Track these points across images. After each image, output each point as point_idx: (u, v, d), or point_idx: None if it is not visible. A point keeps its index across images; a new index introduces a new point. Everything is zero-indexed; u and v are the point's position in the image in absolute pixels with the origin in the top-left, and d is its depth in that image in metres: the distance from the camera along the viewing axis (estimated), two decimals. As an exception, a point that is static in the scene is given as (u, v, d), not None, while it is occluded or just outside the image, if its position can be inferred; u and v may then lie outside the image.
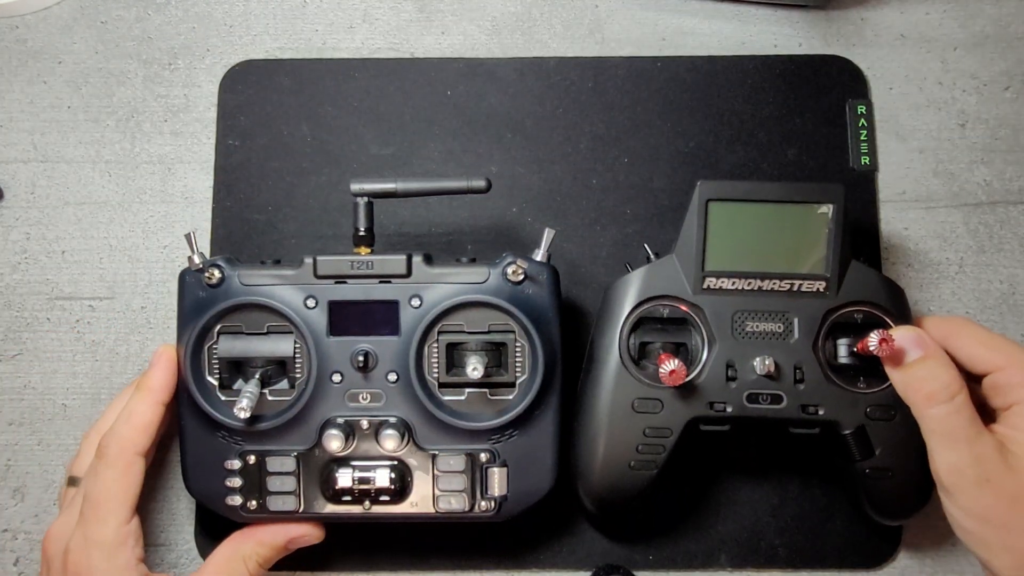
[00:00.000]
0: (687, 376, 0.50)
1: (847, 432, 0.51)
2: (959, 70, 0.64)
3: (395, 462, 0.52)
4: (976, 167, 0.63)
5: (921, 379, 0.48)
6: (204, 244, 0.61)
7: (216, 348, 0.51)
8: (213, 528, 0.57)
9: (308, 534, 0.53)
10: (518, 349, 0.52)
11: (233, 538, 0.52)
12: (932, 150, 0.63)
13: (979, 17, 0.65)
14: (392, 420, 0.51)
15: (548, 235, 0.52)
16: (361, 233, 0.53)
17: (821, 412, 0.51)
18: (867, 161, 0.62)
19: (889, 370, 0.49)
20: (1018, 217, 0.62)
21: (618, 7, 0.65)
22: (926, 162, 0.63)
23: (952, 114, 0.64)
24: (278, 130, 0.63)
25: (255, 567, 0.52)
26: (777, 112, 0.63)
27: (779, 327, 0.51)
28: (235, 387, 0.52)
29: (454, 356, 0.52)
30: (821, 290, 0.51)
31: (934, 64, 0.64)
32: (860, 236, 0.61)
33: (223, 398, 0.51)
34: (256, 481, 0.52)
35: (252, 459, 0.52)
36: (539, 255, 0.52)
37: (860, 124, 0.63)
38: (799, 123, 0.63)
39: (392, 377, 0.51)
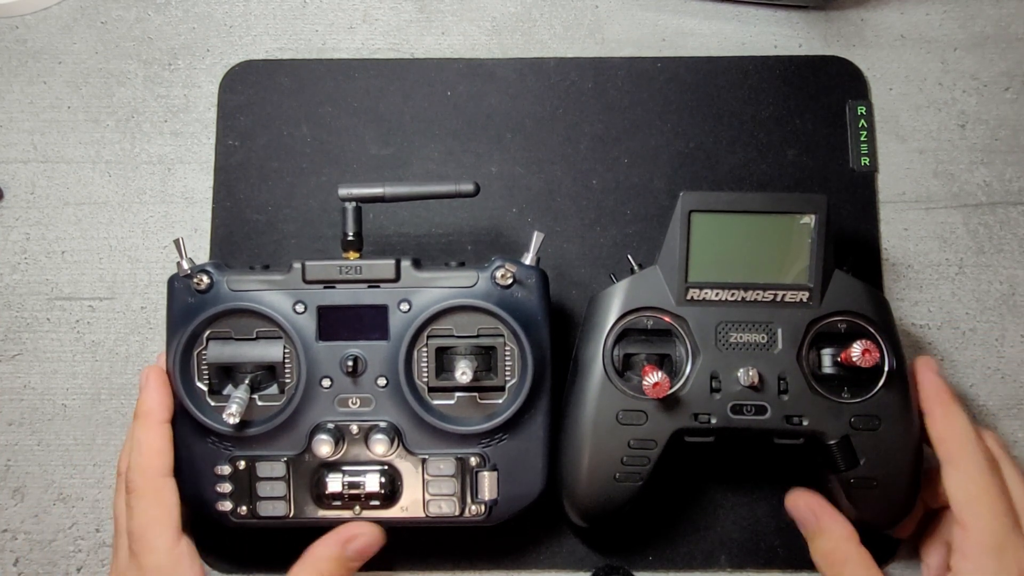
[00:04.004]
0: (671, 388, 0.50)
1: (832, 442, 0.51)
2: (959, 71, 0.64)
3: (385, 467, 0.52)
4: (976, 168, 0.63)
5: (816, 552, 0.52)
6: (203, 244, 0.62)
7: (205, 354, 0.51)
8: (212, 529, 0.57)
9: (361, 535, 0.52)
10: (507, 353, 0.52)
11: (301, 560, 0.51)
12: (932, 151, 0.63)
13: (979, 18, 0.65)
14: (382, 424, 0.51)
15: (537, 238, 0.52)
16: (350, 238, 0.53)
17: (805, 423, 0.51)
18: (867, 162, 0.62)
19: None
20: (1018, 218, 0.62)
21: (618, 8, 0.65)
22: (926, 163, 0.63)
23: (952, 115, 0.64)
24: (278, 130, 0.63)
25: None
26: (777, 113, 0.63)
27: (763, 338, 0.51)
28: (224, 392, 0.52)
29: (443, 360, 0.52)
30: (804, 300, 0.51)
31: (934, 65, 0.64)
32: (860, 237, 0.61)
33: (212, 404, 0.52)
34: (246, 486, 0.52)
35: (242, 464, 0.52)
36: (528, 259, 0.52)
37: (860, 125, 0.63)
38: (799, 124, 0.63)
39: (381, 382, 0.51)
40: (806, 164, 0.62)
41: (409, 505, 0.52)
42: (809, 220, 0.51)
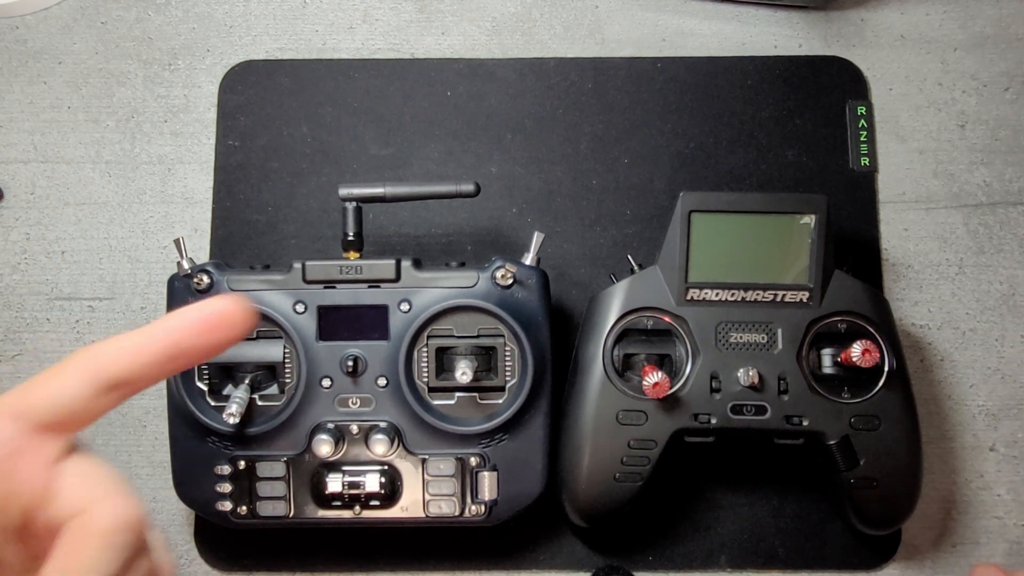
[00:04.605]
0: (671, 388, 0.50)
1: (832, 442, 0.51)
2: (959, 71, 0.64)
3: (385, 467, 0.52)
4: (976, 168, 0.63)
5: None
6: (203, 244, 0.61)
7: None
8: (212, 529, 0.57)
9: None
10: (507, 353, 0.52)
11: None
12: (932, 151, 0.63)
13: (979, 18, 0.65)
14: (382, 425, 0.51)
15: (537, 239, 0.52)
16: (350, 238, 0.53)
17: (805, 423, 0.51)
18: (867, 162, 0.62)
19: None
20: (1018, 218, 0.62)
21: (618, 8, 0.65)
22: (926, 163, 0.63)
23: (952, 115, 0.64)
24: (278, 130, 0.63)
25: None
26: (777, 113, 0.63)
27: (763, 338, 0.51)
28: (224, 392, 0.52)
29: (443, 360, 0.52)
30: (804, 300, 0.51)
31: (934, 65, 0.64)
32: (860, 237, 0.61)
33: (213, 403, 0.52)
34: (246, 486, 0.52)
35: (242, 464, 0.52)
36: (528, 259, 0.52)
37: (860, 125, 0.63)
38: (799, 124, 0.63)
39: (382, 382, 0.51)
40: (806, 164, 0.62)
41: (409, 505, 0.52)
42: (809, 220, 0.51)
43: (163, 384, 0.53)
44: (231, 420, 0.49)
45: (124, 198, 0.63)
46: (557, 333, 0.54)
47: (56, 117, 0.64)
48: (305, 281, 0.51)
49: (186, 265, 0.52)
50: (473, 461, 0.52)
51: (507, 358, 0.52)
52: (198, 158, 0.63)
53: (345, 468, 0.52)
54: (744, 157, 0.62)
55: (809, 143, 0.62)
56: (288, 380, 0.52)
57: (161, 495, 0.59)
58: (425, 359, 0.51)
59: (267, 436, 0.52)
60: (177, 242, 0.52)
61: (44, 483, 0.32)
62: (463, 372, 0.49)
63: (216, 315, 0.33)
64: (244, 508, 0.52)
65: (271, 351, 0.51)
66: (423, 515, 0.52)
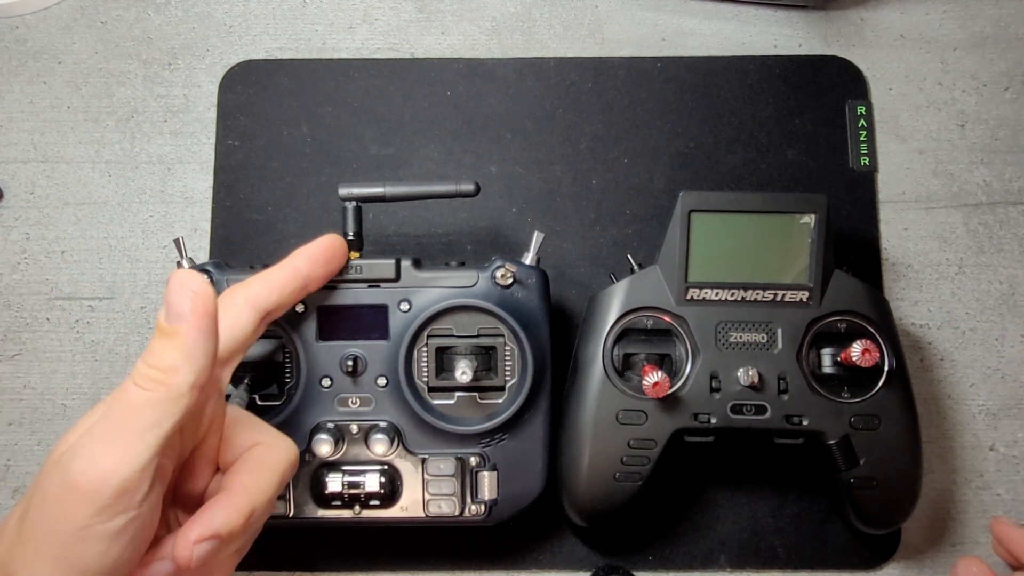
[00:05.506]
0: (671, 388, 0.50)
1: (832, 442, 0.51)
2: (959, 70, 0.64)
3: (385, 466, 0.52)
4: (976, 168, 0.63)
5: None
6: (203, 244, 0.62)
7: None
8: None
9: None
10: (507, 353, 0.51)
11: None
12: (932, 151, 0.63)
13: (979, 17, 0.65)
14: (382, 424, 0.51)
15: (537, 238, 0.52)
16: (350, 237, 0.53)
17: (805, 422, 0.51)
18: (867, 162, 0.62)
19: None
20: (1018, 218, 0.62)
21: (618, 7, 0.65)
22: (926, 163, 0.63)
23: (952, 115, 0.64)
24: (278, 130, 0.63)
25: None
26: (777, 113, 0.63)
27: (763, 337, 0.51)
28: (225, 392, 0.52)
29: (443, 360, 0.52)
30: (804, 300, 0.51)
31: (934, 64, 0.64)
32: (860, 237, 0.61)
33: None
34: None
35: None
36: (528, 258, 0.52)
37: (860, 125, 0.63)
38: (799, 124, 0.63)
39: (381, 381, 0.51)
40: (806, 164, 0.62)
41: (409, 505, 0.52)
42: (809, 220, 0.51)
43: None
44: (231, 420, 0.49)
45: (124, 198, 0.63)
46: (557, 333, 0.54)
47: (56, 117, 0.64)
48: (305, 281, 0.51)
49: (186, 265, 0.52)
50: (473, 461, 0.52)
51: (507, 358, 0.52)
52: (198, 158, 0.63)
53: (345, 468, 0.52)
54: (744, 157, 0.62)
55: (809, 143, 0.62)
56: (288, 380, 0.52)
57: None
58: (425, 359, 0.51)
59: (267, 436, 0.51)
60: (177, 242, 0.52)
61: (219, 414, 0.38)
62: (463, 372, 0.49)
63: (328, 249, 0.47)
64: (244, 507, 0.52)
65: (271, 351, 0.51)
66: (423, 515, 0.52)
